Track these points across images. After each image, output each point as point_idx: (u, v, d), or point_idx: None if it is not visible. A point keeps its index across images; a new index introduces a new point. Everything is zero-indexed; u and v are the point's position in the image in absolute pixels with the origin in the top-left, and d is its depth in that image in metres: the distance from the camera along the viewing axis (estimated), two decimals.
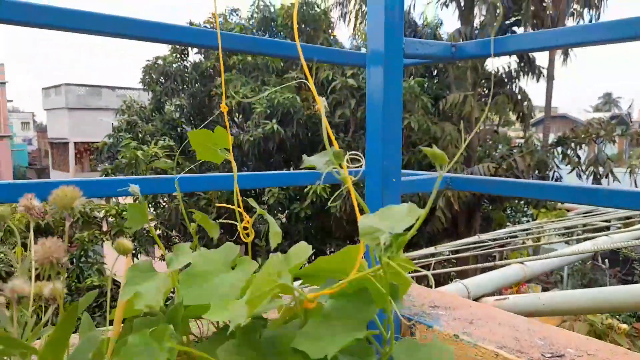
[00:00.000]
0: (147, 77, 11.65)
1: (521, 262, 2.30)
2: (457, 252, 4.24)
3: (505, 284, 2.28)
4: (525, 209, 12.01)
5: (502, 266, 2.28)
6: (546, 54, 10.80)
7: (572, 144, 9.96)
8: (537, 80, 10.24)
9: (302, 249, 0.61)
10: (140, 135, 11.19)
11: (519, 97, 10.09)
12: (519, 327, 1.15)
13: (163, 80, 11.58)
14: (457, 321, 1.18)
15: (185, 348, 0.60)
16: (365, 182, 1.29)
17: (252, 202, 0.79)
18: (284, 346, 0.62)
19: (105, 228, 9.66)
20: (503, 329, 1.14)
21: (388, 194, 1.20)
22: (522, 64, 10.23)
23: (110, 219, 9.42)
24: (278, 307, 0.68)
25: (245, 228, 0.81)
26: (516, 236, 4.65)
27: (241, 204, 0.81)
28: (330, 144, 0.64)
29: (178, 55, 11.53)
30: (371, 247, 0.58)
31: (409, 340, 0.66)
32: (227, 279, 0.71)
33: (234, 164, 0.78)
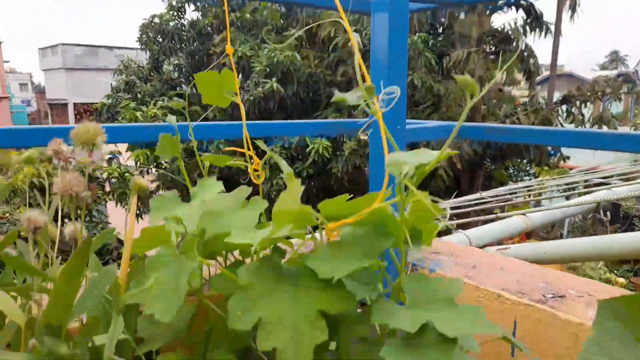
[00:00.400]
0: (144, 36, 11.40)
1: (523, 214, 2.32)
2: (458, 208, 4.28)
3: (506, 235, 2.31)
4: (528, 168, 12.00)
5: (504, 218, 2.31)
6: (554, 9, 10.48)
7: (577, 102, 9.85)
8: (545, 36, 9.99)
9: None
10: (139, 95, 11.08)
11: (525, 54, 9.88)
12: (521, 272, 1.17)
13: (160, 39, 11.34)
14: (460, 266, 1.20)
15: (209, 262, 0.61)
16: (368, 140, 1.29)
17: (261, 144, 0.79)
18: (302, 271, 0.63)
19: (108, 189, 9.74)
20: (505, 273, 1.17)
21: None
22: (529, 20, 9.96)
23: (113, 180, 9.48)
24: (298, 236, 0.70)
25: (255, 170, 0.81)
26: (517, 193, 4.67)
27: (251, 148, 0.81)
28: (364, 79, 0.63)
29: (175, 13, 11.23)
30: (394, 174, 0.59)
31: (419, 273, 0.67)
32: (242, 215, 0.72)
33: (242, 106, 0.77)
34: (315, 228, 0.76)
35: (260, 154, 0.85)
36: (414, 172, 0.61)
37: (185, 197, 0.81)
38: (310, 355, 0.57)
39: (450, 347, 0.56)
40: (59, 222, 0.61)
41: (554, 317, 0.96)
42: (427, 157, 0.64)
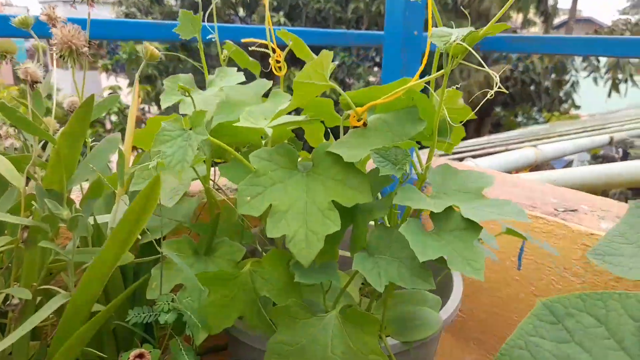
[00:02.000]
0: None
1: (534, 145, 2.27)
2: (465, 151, 4.23)
3: (516, 166, 2.27)
4: (537, 116, 11.81)
5: (514, 149, 2.26)
6: None
7: None
8: None
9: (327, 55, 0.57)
10: None
11: None
12: (534, 189, 1.15)
13: None
14: None
15: (217, 141, 0.58)
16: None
17: (283, 34, 0.73)
18: (320, 160, 0.60)
19: (108, 127, 9.67)
20: (517, 189, 1.14)
21: (409, 50, 1.13)
22: None
23: (113, 118, 9.38)
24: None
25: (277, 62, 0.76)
26: (523, 140, 4.60)
27: (274, 39, 0.75)
28: None
29: None
30: (438, 44, 0.54)
31: (447, 166, 0.64)
32: (260, 107, 0.68)
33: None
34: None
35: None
36: (463, 38, 0.54)
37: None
38: (320, 244, 0.55)
39: (472, 234, 0.53)
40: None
41: (565, 228, 0.95)
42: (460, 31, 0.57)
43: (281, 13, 8.84)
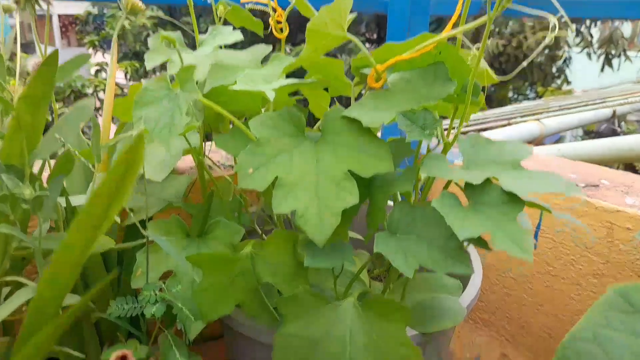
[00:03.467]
0: None
1: (537, 120, 2.19)
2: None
3: (521, 141, 2.20)
4: (528, 92, 11.76)
5: (516, 124, 2.19)
6: None
7: (587, 21, 9.39)
8: None
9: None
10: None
11: None
12: (549, 164, 1.08)
13: None
14: None
15: (211, 103, 0.49)
16: None
17: None
18: (332, 126, 0.52)
19: (97, 105, 9.43)
20: (533, 164, 1.07)
21: (416, 14, 1.04)
22: None
23: (101, 95, 9.15)
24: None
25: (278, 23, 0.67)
26: (522, 115, 4.53)
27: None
28: None
29: None
30: None
31: (477, 135, 0.56)
32: (259, 72, 0.59)
33: None
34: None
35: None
36: None
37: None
38: (337, 219, 0.47)
39: (515, 209, 0.45)
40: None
41: (588, 205, 0.88)
42: None
43: None
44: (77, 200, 0.53)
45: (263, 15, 0.70)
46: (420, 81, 0.51)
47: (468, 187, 0.47)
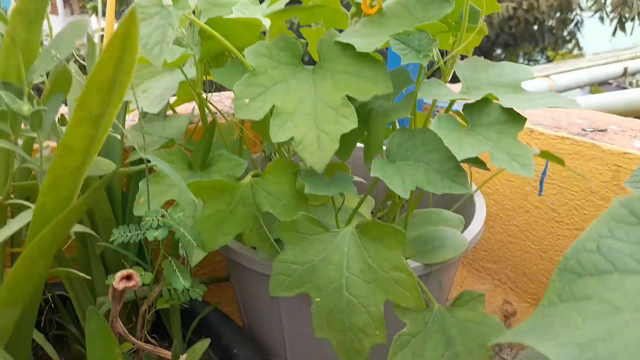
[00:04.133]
0: None
1: (547, 76, 2.14)
2: None
3: None
4: (539, 57, 11.51)
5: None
6: None
7: None
8: None
9: None
10: None
11: None
12: (556, 110, 1.06)
13: None
14: None
15: (206, 27, 0.49)
16: None
17: None
18: (327, 53, 0.51)
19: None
20: (538, 110, 1.06)
21: None
22: None
23: None
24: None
25: None
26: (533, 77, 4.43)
27: None
28: None
29: None
30: None
31: (476, 58, 0.55)
32: (255, 6, 0.58)
33: None
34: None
35: None
36: None
37: None
38: (335, 144, 0.47)
39: (515, 127, 0.45)
40: None
41: (594, 148, 0.87)
42: None
43: None
44: None
45: None
46: (416, 3, 0.49)
47: (467, 110, 0.47)
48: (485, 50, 9.46)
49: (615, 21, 9.29)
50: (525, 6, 8.54)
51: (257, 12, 0.57)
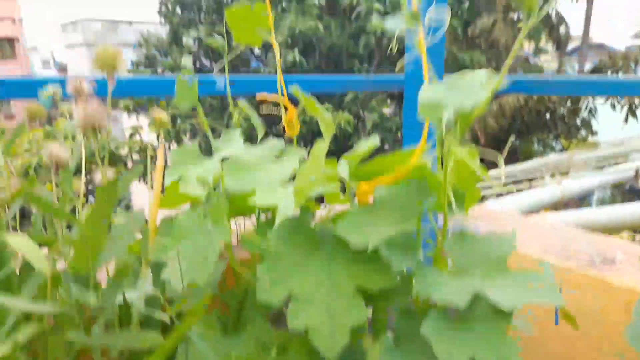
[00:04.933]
0: (163, 7, 11.34)
1: (559, 182, 2.22)
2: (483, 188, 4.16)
3: (542, 205, 2.21)
4: (554, 143, 11.69)
5: (537, 186, 2.21)
6: None
7: (609, 72, 9.45)
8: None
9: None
10: (159, 70, 11.08)
11: (555, 21, 9.47)
12: (565, 235, 1.10)
13: (180, 11, 11.26)
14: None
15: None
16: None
17: (295, 90, 0.73)
18: (336, 237, 0.58)
19: (130, 165, 9.85)
20: (547, 234, 1.10)
21: None
22: None
23: (135, 157, 9.57)
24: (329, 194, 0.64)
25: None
26: (542, 172, 4.53)
27: (285, 96, 0.75)
28: None
29: None
30: (432, 119, 0.53)
31: (462, 233, 0.61)
32: (274, 169, 0.67)
33: (276, 46, 0.72)
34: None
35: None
36: (456, 116, 0.54)
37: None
38: (347, 337, 0.52)
39: (503, 322, 0.50)
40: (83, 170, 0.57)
41: (604, 284, 0.90)
42: (471, 94, 0.55)
43: (296, 50, 9.04)
44: (127, 295, 0.60)
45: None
46: (402, 198, 0.57)
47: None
48: (499, 138, 9.70)
49: (625, 108, 9.53)
50: (535, 96, 8.90)
51: (277, 187, 0.66)
